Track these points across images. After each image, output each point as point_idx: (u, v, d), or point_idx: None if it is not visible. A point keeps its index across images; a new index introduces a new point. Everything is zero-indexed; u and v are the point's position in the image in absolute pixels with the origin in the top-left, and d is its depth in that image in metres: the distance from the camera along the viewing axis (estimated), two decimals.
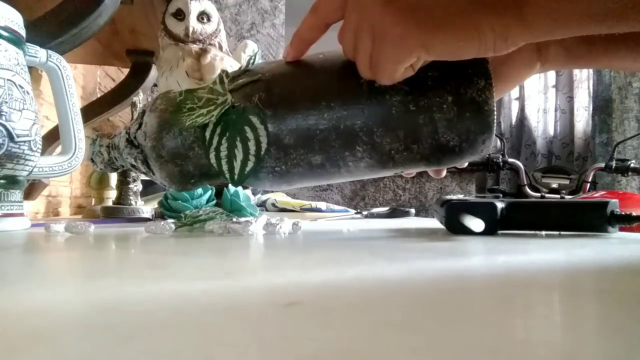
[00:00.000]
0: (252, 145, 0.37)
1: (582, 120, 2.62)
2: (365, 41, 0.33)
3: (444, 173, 0.48)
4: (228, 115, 0.37)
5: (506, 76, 0.44)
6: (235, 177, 0.38)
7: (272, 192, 1.35)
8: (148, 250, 0.31)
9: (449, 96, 0.34)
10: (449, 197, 0.47)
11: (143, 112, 0.41)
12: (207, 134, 0.38)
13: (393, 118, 0.35)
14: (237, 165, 0.38)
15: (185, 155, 0.39)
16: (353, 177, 0.40)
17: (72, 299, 0.16)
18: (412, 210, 0.90)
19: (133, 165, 0.42)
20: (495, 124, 0.36)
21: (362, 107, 0.35)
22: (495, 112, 0.35)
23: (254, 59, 0.42)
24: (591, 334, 0.12)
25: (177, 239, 0.38)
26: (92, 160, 0.43)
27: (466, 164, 0.44)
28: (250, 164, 0.37)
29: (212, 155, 0.38)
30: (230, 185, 0.60)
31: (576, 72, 2.65)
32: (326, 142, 0.37)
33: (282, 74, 0.39)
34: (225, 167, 0.38)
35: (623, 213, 0.38)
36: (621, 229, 0.41)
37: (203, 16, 0.67)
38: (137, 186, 0.76)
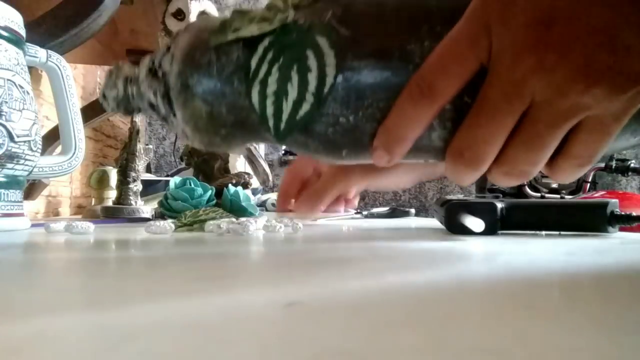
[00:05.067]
0: (312, 78, 0.26)
1: None
2: (557, 138, 0.24)
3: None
4: (286, 35, 0.27)
5: None
6: (282, 125, 0.27)
7: (273, 191, 1.35)
8: (148, 250, 0.31)
9: None
10: (449, 197, 0.47)
11: (176, 34, 0.32)
12: (254, 62, 0.27)
13: None
14: (286, 106, 0.27)
15: (220, 91, 0.28)
16: None
17: (71, 299, 0.16)
18: (412, 210, 0.90)
19: (151, 105, 0.32)
20: None
21: None
22: None
23: None
24: (591, 334, 0.12)
25: (177, 239, 0.38)
26: (104, 96, 0.33)
27: None
28: (305, 107, 0.27)
29: (255, 91, 0.27)
30: (230, 186, 0.60)
31: None
32: None
33: None
34: (269, 110, 0.27)
35: (623, 213, 0.38)
36: (621, 229, 0.41)
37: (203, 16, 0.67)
38: (137, 186, 0.76)
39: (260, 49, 0.27)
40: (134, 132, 0.74)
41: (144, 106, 0.33)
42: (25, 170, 0.50)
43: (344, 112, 0.27)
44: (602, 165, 1.82)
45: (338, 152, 0.29)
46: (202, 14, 0.67)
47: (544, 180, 2.07)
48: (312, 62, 0.26)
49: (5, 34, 0.47)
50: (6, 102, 0.46)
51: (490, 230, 0.40)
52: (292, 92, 0.27)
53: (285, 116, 0.27)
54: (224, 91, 0.28)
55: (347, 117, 0.27)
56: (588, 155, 0.25)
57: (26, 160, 0.49)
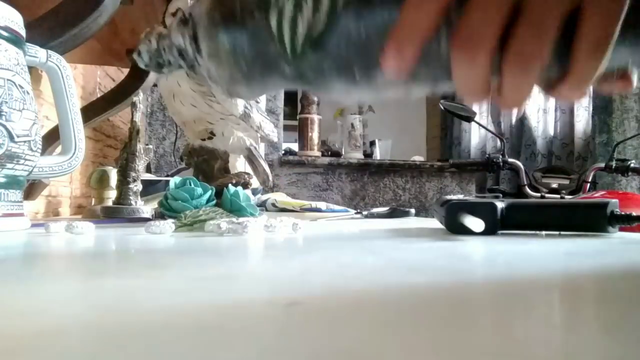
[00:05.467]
0: None
1: (582, 120, 2.62)
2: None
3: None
4: None
5: None
6: (298, 46, 0.30)
7: (273, 191, 1.35)
8: (148, 250, 0.31)
9: None
10: (449, 197, 0.47)
11: None
12: None
13: None
14: (302, 26, 0.29)
15: (242, 21, 0.31)
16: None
17: (72, 299, 0.16)
18: (412, 210, 0.90)
19: (180, 54, 0.36)
20: None
21: None
22: None
23: None
24: (591, 334, 0.12)
25: (177, 239, 0.38)
26: (139, 53, 0.37)
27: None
28: (319, 23, 0.29)
29: (273, 16, 0.30)
30: (230, 186, 0.60)
31: None
32: None
33: None
34: (286, 31, 0.30)
35: (623, 213, 0.38)
36: (621, 229, 0.41)
37: None
38: (137, 186, 0.76)
39: None
40: (134, 132, 0.74)
41: (173, 57, 0.36)
42: (25, 170, 0.50)
43: (355, 28, 0.29)
44: (602, 165, 1.82)
45: (350, 71, 0.30)
46: None
47: (544, 180, 2.07)
48: None
49: (5, 34, 0.47)
50: (6, 102, 0.46)
51: (490, 230, 0.40)
52: (307, 12, 0.29)
53: (300, 36, 0.29)
54: (246, 22, 0.31)
55: (359, 33, 0.29)
56: (602, 37, 0.25)
57: (26, 160, 0.49)
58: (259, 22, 0.31)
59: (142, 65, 0.38)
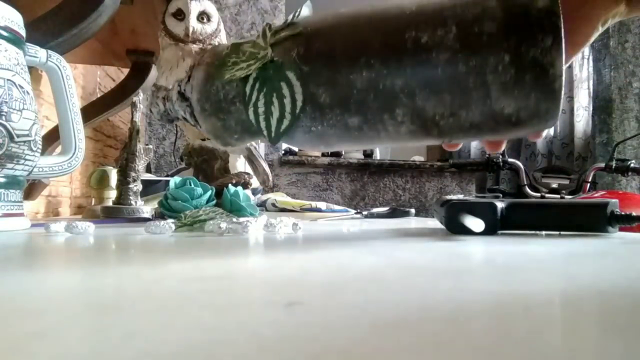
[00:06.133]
0: (287, 102, 0.36)
1: (582, 120, 2.62)
2: None
3: (503, 147, 0.41)
4: (266, 70, 0.37)
5: (585, 19, 0.36)
6: (272, 135, 0.38)
7: (273, 191, 1.35)
8: (148, 250, 0.31)
9: (505, 55, 0.30)
10: (449, 197, 0.47)
11: (193, 66, 0.43)
12: (248, 89, 0.38)
13: (438, 79, 0.32)
14: (273, 122, 0.37)
15: (227, 110, 0.39)
16: (395, 142, 0.38)
17: (71, 299, 0.16)
18: (412, 210, 0.90)
19: (184, 118, 0.44)
20: (562, 92, 0.31)
21: (404, 66, 0.32)
22: (563, 78, 0.31)
23: (299, 12, 0.40)
24: (591, 335, 0.12)
25: (177, 239, 0.38)
26: (150, 111, 0.46)
27: (541, 136, 0.39)
28: (285, 122, 0.37)
29: (251, 112, 0.38)
30: (230, 186, 0.60)
31: (576, 72, 2.65)
32: (363, 102, 0.34)
33: (324, 28, 0.37)
34: (262, 125, 0.38)
35: (623, 213, 0.38)
36: (621, 229, 0.41)
37: (203, 16, 0.67)
38: (137, 186, 0.76)
39: (251, 80, 0.38)
40: (134, 132, 0.74)
41: (179, 116, 0.45)
42: (25, 170, 0.50)
43: (314, 123, 0.37)
44: (602, 165, 1.82)
45: (317, 148, 0.40)
46: (202, 14, 0.67)
47: (544, 180, 2.07)
48: (285, 90, 0.36)
49: (5, 34, 0.47)
50: (6, 102, 0.46)
51: (490, 230, 0.40)
52: (275, 112, 0.37)
53: (273, 129, 0.38)
54: (230, 110, 0.39)
55: (316, 126, 0.37)
56: None
57: (26, 160, 0.49)
58: (240, 110, 0.39)
59: (156, 119, 0.48)
